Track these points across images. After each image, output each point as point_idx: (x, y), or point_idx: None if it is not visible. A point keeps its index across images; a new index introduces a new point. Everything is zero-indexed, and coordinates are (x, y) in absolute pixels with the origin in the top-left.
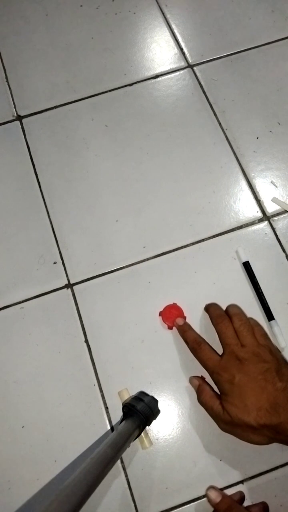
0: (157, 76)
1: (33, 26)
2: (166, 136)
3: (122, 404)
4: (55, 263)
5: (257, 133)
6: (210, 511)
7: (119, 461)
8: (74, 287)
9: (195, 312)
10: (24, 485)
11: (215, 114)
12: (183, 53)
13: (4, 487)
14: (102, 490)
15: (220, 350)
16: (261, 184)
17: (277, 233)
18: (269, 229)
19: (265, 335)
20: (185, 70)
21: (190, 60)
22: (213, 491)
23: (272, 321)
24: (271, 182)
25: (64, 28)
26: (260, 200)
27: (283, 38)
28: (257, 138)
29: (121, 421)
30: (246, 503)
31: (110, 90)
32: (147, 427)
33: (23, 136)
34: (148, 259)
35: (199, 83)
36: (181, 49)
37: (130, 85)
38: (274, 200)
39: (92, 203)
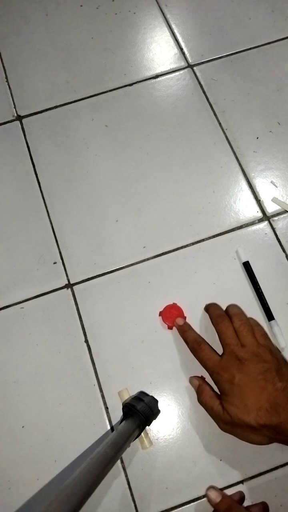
0: (157, 76)
1: (33, 26)
2: (166, 136)
3: (122, 404)
4: (55, 263)
5: (257, 133)
6: (210, 511)
7: (119, 461)
8: (74, 287)
9: (195, 312)
10: (24, 485)
11: (215, 114)
12: (183, 53)
13: (4, 487)
14: (102, 490)
15: (220, 350)
16: (261, 184)
17: (277, 233)
18: (269, 229)
19: (265, 335)
20: (185, 70)
21: (190, 60)
22: (213, 491)
23: (272, 321)
24: (271, 182)
25: (64, 28)
26: (260, 200)
27: (283, 38)
28: (257, 138)
29: (121, 421)
30: (246, 503)
31: (110, 90)
32: (147, 427)
33: (23, 136)
34: (148, 259)
35: (199, 83)
36: (181, 49)
37: (130, 85)
38: (274, 200)
39: (92, 203)
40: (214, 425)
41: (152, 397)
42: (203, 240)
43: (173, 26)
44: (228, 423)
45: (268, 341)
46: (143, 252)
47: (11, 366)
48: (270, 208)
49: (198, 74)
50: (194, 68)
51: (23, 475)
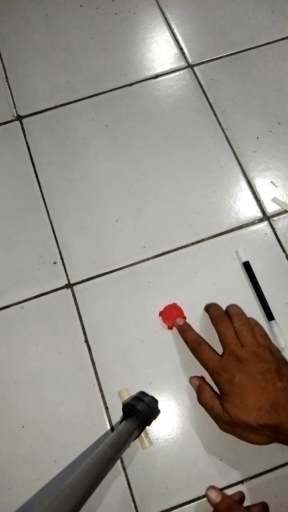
0: (157, 76)
1: (33, 26)
2: (166, 136)
3: (122, 404)
4: (55, 263)
5: (257, 133)
6: (210, 511)
7: (119, 461)
8: (74, 287)
9: (195, 312)
10: (24, 485)
11: (215, 114)
12: (183, 53)
13: (4, 487)
14: (102, 490)
15: (220, 350)
16: (261, 184)
17: (277, 233)
18: (269, 229)
19: (265, 335)
20: (185, 70)
21: (190, 60)
22: (213, 491)
23: (272, 321)
24: (271, 182)
25: (64, 28)
26: (260, 200)
27: (283, 38)
28: (257, 138)
29: (121, 421)
30: (246, 503)
31: (110, 90)
32: (147, 427)
33: (23, 136)
34: (148, 259)
35: (199, 83)
36: (181, 49)
37: (130, 85)
38: (274, 200)
39: (92, 203)
40: (214, 425)
41: (152, 397)
42: (203, 240)
43: (173, 26)
44: (228, 423)
45: (268, 341)
46: (143, 252)
47: (11, 366)
48: (270, 208)
49: (198, 74)
50: (194, 68)
51: (23, 475)
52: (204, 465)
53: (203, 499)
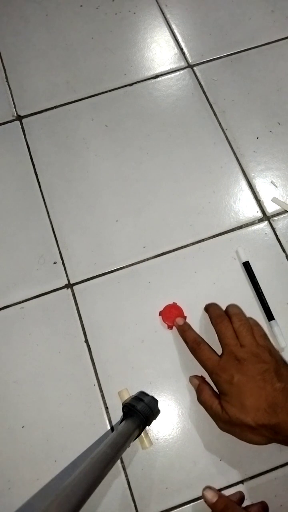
0: (157, 76)
1: (33, 26)
2: (166, 136)
3: (122, 404)
4: (55, 263)
5: (257, 133)
6: None
7: (119, 461)
8: (74, 287)
9: (195, 312)
10: (24, 485)
11: (215, 114)
12: (183, 53)
13: (4, 487)
14: (102, 490)
15: (219, 350)
16: (261, 184)
17: (277, 233)
18: (269, 229)
19: (264, 335)
20: (185, 70)
21: (190, 60)
22: (209, 491)
23: (272, 321)
24: (271, 182)
25: (64, 28)
26: (260, 200)
27: (283, 38)
28: (257, 138)
29: (121, 421)
30: (246, 503)
31: (110, 90)
32: (147, 427)
33: (23, 136)
34: (148, 259)
35: (199, 83)
36: (181, 49)
37: (130, 85)
38: (274, 200)
39: (92, 203)
40: (214, 425)
41: (152, 397)
42: (203, 240)
43: (173, 26)
44: (227, 423)
45: (267, 341)
46: (143, 252)
47: (11, 366)
48: (270, 208)
49: (198, 74)
50: (194, 68)
51: (23, 475)
52: (204, 465)
53: (203, 499)
